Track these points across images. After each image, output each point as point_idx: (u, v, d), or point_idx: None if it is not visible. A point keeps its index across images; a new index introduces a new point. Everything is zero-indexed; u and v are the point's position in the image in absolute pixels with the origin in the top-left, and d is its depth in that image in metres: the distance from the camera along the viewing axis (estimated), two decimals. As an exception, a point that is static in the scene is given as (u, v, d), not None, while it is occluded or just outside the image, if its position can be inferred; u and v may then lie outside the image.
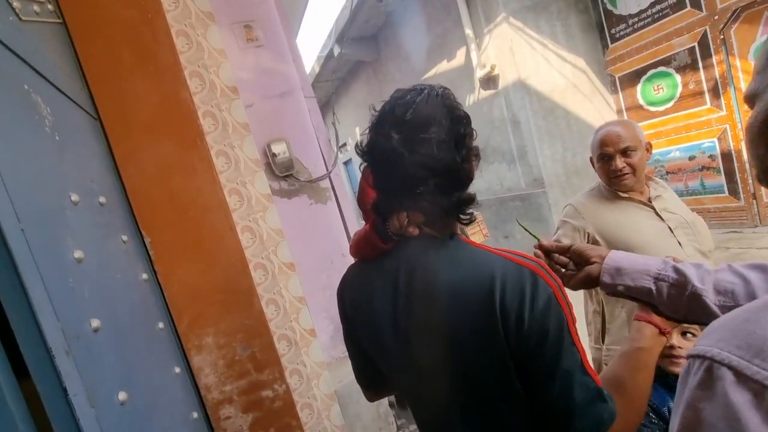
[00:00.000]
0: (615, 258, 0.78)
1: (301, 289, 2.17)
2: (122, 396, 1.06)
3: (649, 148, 1.38)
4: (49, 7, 1.62)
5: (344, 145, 11.22)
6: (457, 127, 0.71)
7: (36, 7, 1.45)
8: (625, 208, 1.38)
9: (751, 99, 0.45)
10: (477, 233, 7.22)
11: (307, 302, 2.21)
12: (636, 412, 0.62)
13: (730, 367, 0.33)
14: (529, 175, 5.35)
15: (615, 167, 1.33)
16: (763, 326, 0.33)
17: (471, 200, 0.72)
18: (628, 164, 1.32)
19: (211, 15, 2.17)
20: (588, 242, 1.43)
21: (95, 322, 1.05)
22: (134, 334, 1.33)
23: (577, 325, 0.64)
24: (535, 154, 5.13)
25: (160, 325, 1.67)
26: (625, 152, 1.32)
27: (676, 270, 0.71)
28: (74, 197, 1.20)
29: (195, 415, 1.56)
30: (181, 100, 1.88)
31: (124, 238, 1.57)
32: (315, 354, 2.12)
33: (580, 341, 0.63)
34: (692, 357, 0.37)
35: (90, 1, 1.70)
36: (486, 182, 6.18)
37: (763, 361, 0.32)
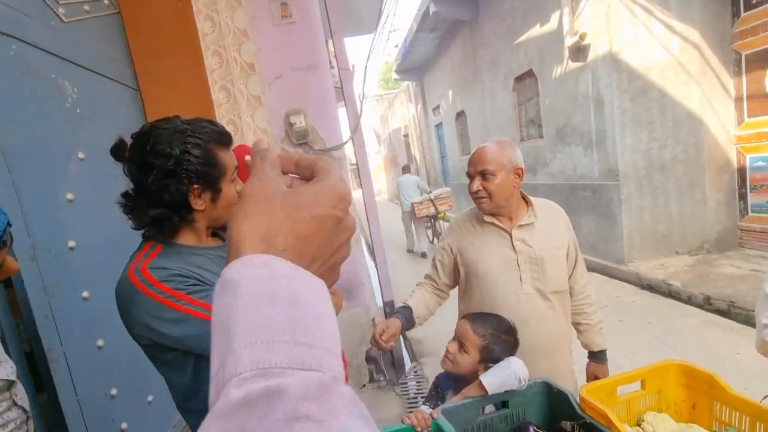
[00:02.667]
0: None
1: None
2: (85, 294, 1.57)
3: (519, 173, 1.28)
4: (105, 1, 2.12)
5: (437, 107, 11.05)
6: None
7: (87, 6, 1.94)
8: (486, 233, 1.35)
9: None
10: (443, 204, 6.99)
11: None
12: None
13: None
14: (603, 164, 4.78)
15: (471, 189, 1.30)
16: None
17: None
18: (484, 188, 1.26)
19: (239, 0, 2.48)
20: (453, 262, 1.44)
21: (72, 243, 1.55)
22: (121, 256, 1.86)
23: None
24: (614, 141, 4.54)
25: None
26: (483, 175, 1.26)
27: None
28: (81, 155, 1.71)
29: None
30: (197, 76, 2.29)
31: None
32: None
33: (196, 308, 0.81)
34: None
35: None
36: (560, 164, 5.67)
37: None
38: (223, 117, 2.42)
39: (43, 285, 1.37)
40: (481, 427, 0.98)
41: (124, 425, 1.66)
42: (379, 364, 3.27)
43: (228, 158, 0.92)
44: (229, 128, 2.45)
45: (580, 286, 1.40)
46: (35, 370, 1.37)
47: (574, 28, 4.85)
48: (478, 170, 1.26)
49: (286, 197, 0.30)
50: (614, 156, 4.56)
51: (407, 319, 1.35)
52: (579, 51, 4.86)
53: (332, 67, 3.23)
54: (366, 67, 3.49)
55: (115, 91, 2.08)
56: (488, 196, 1.26)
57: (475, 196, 1.29)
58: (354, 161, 3.41)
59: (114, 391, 1.63)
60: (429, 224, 7.38)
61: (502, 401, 1.02)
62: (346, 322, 2.98)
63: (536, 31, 5.75)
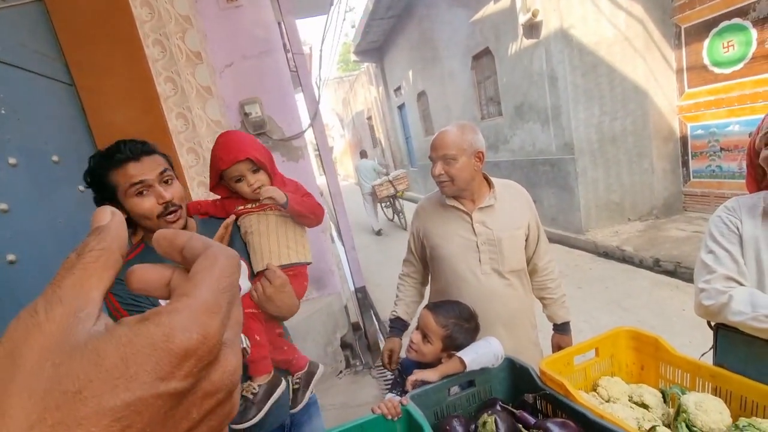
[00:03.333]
0: None
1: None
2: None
3: (480, 157, 1.31)
4: (25, -12, 1.92)
5: (398, 88, 10.98)
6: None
7: (3, -7, 1.75)
8: (448, 217, 1.39)
9: None
10: (401, 184, 7.81)
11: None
12: None
13: None
14: (560, 139, 4.95)
15: (433, 173, 1.32)
16: None
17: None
18: (446, 172, 1.28)
19: (177, -19, 2.32)
20: (421, 244, 1.49)
21: (11, 257, 1.44)
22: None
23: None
24: (568, 116, 4.69)
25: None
26: (444, 159, 1.28)
27: None
28: (12, 160, 1.57)
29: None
30: (137, 66, 2.15)
31: (81, 188, 1.96)
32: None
33: None
34: None
35: (55, -20, 1.95)
36: (520, 141, 5.81)
37: None
38: (171, 110, 2.28)
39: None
40: (450, 408, 1.02)
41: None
42: (355, 349, 3.31)
43: (120, 176, 0.94)
44: (178, 122, 2.34)
45: (544, 263, 1.45)
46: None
47: (526, 5, 4.90)
48: (439, 155, 1.28)
49: (62, 365, 0.16)
50: (569, 130, 4.72)
51: (403, 329, 1.54)
52: (532, 28, 4.94)
53: (288, 51, 3.12)
54: (321, 50, 3.39)
55: (45, 88, 1.91)
56: (450, 180, 1.28)
57: (437, 180, 1.31)
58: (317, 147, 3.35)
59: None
60: (389, 203, 8.03)
61: (468, 381, 1.06)
62: (320, 311, 2.97)
63: (491, 8, 5.78)
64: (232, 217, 1.09)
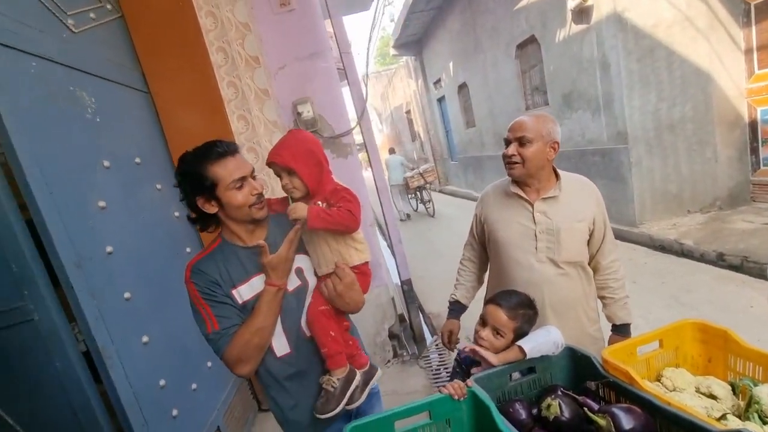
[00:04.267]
0: None
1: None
2: (127, 295, 1.67)
3: (555, 147, 1.33)
4: (108, 6, 2.14)
5: (438, 81, 10.87)
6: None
7: (92, 14, 1.97)
8: (510, 205, 1.43)
9: None
10: (430, 176, 9.03)
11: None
12: (249, 330, 1.05)
13: None
14: (612, 128, 4.74)
15: (506, 152, 1.35)
16: None
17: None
18: (520, 153, 1.32)
19: (238, -10, 2.47)
20: (482, 229, 1.55)
21: (109, 248, 1.64)
22: (155, 256, 1.95)
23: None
24: (621, 104, 4.48)
25: (188, 249, 2.30)
26: (520, 141, 1.32)
27: None
28: (106, 163, 1.78)
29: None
30: (204, 72, 2.33)
31: (159, 186, 2.17)
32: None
33: (205, 312, 1.06)
34: None
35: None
36: (568, 131, 5.62)
37: None
38: (233, 113, 2.46)
39: (90, 290, 1.47)
40: (511, 392, 1.07)
41: (174, 412, 1.80)
42: (402, 340, 3.40)
43: (222, 171, 1.04)
44: (239, 124, 2.51)
45: (607, 262, 1.45)
46: (92, 364, 1.49)
47: (575, -11, 4.71)
48: (516, 136, 1.32)
49: None
50: (622, 119, 4.51)
51: (461, 312, 1.64)
52: (582, 13, 4.75)
53: (331, 49, 3.21)
54: (368, 49, 3.46)
55: (127, 96, 2.12)
56: (522, 161, 1.32)
57: (508, 161, 1.35)
58: (362, 141, 3.44)
59: (162, 382, 1.76)
60: (414, 194, 9.27)
61: (528, 367, 1.10)
62: (369, 302, 3.07)
63: (537, -6, 5.60)
64: (295, 230, 1.10)
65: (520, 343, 1.06)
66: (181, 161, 1.07)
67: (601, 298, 1.48)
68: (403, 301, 3.71)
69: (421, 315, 3.89)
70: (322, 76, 2.94)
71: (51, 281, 1.40)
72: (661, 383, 1.02)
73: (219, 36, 2.41)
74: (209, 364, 2.20)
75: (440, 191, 12.07)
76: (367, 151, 3.42)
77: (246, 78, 2.52)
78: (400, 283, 3.68)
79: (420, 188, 8.91)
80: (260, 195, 1.09)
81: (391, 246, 3.59)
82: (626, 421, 0.82)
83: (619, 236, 4.79)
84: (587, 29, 4.73)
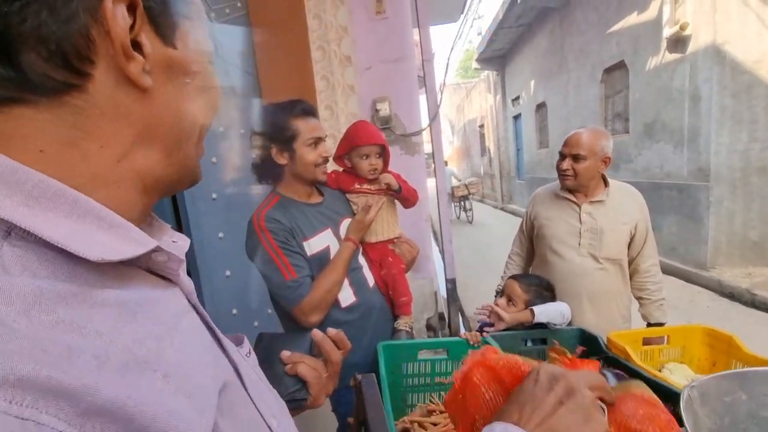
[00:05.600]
0: None
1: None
2: (221, 234, 2.07)
3: (607, 161, 1.48)
4: (238, 4, 2.61)
5: (517, 98, 10.78)
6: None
7: (227, 9, 2.43)
8: (560, 205, 1.58)
9: None
10: (474, 188, 8.64)
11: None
12: (330, 281, 1.16)
13: None
14: (694, 163, 4.51)
15: (560, 166, 1.52)
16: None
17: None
18: (573, 168, 1.48)
19: (343, -2, 2.85)
20: (531, 225, 1.71)
21: (221, 234, 2.03)
22: (247, 202, 2.35)
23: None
24: (708, 139, 4.26)
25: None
26: (575, 157, 1.48)
27: None
28: (213, 159, 2.20)
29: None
30: (304, 66, 2.72)
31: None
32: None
33: (281, 261, 1.13)
34: None
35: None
36: (645, 161, 5.39)
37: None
38: (321, 102, 2.83)
39: (197, 226, 1.88)
40: (522, 354, 1.24)
41: (240, 338, 2.17)
42: (437, 331, 3.56)
43: (304, 126, 1.17)
44: (326, 113, 2.88)
45: (647, 266, 1.56)
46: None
47: (675, 17, 4.57)
48: (571, 152, 1.50)
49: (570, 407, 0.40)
50: (707, 155, 4.28)
51: None
52: (678, 42, 4.58)
53: (414, 56, 3.50)
54: (449, 58, 3.71)
55: (242, 83, 2.57)
56: (574, 175, 1.49)
57: (562, 173, 1.52)
58: (428, 150, 3.68)
59: (234, 311, 2.14)
60: (458, 204, 10.18)
61: (542, 339, 1.26)
62: (413, 291, 3.29)
63: (632, 19, 5.46)
64: (381, 202, 1.33)
65: (533, 307, 1.24)
66: (266, 110, 1.19)
67: (638, 298, 1.59)
68: (445, 299, 3.87)
69: (460, 316, 4.02)
70: (403, 79, 3.24)
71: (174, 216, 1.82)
72: (661, 373, 1.14)
73: (321, 36, 2.80)
74: (269, 311, 2.57)
75: (502, 209, 11.91)
76: (433, 158, 3.65)
77: (337, 74, 2.88)
78: (445, 281, 3.85)
79: (464, 197, 9.83)
80: (326, 159, 1.22)
81: (441, 244, 3.78)
82: (612, 381, 0.98)
83: (685, 277, 4.53)
84: (681, 59, 4.55)
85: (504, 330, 1.27)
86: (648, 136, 5.27)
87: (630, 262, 1.56)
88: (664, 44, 4.80)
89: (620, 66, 5.89)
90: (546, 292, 1.35)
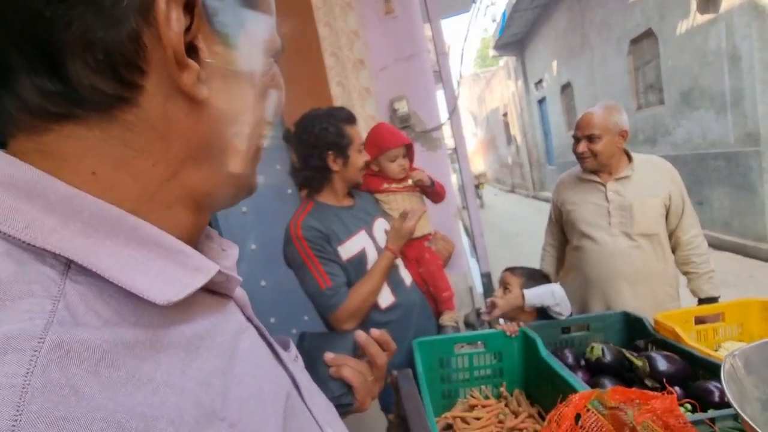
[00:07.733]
0: None
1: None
2: (253, 246, 2.13)
3: (624, 135, 1.40)
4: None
5: (539, 82, 10.46)
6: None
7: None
8: (584, 187, 1.52)
9: None
10: (482, 179, 8.30)
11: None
12: (367, 289, 1.16)
13: None
14: (741, 128, 4.20)
15: (576, 150, 1.46)
16: None
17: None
18: (590, 149, 1.42)
19: (350, 3, 2.87)
20: (559, 212, 1.65)
21: (253, 246, 2.10)
22: (276, 215, 2.41)
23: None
24: (754, 101, 3.96)
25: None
26: (590, 138, 1.42)
27: None
28: None
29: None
30: (319, 74, 2.76)
31: (278, 167, 2.65)
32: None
33: (316, 269, 1.14)
34: None
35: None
36: (686, 132, 5.08)
37: None
38: (340, 107, 2.86)
39: (243, 279, 1.95)
40: (563, 343, 1.20)
41: (280, 346, 2.22)
42: (476, 328, 3.49)
43: (354, 132, 1.22)
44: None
45: (688, 237, 1.47)
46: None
47: (702, -25, 4.29)
48: (585, 134, 1.44)
49: None
50: (754, 118, 3.98)
51: None
52: (709, 2, 4.29)
53: (428, 51, 3.47)
54: (463, 49, 3.65)
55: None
56: (592, 156, 1.43)
57: (580, 156, 1.47)
58: (451, 146, 3.63)
59: (273, 320, 2.19)
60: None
61: (586, 325, 1.21)
62: (446, 288, 3.26)
63: (656, -16, 5.18)
64: (423, 209, 1.31)
65: (524, 290, 1.24)
66: (315, 118, 1.18)
67: (685, 273, 1.50)
68: (482, 294, 3.80)
69: (500, 310, 3.93)
70: (418, 75, 3.22)
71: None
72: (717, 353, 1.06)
73: (332, 43, 2.84)
74: (306, 317, 2.62)
75: (534, 197, 11.57)
76: (456, 152, 3.60)
77: (352, 78, 2.91)
78: (480, 276, 3.77)
79: (475, 186, 10.36)
80: (368, 164, 1.29)
81: (472, 239, 3.72)
82: (662, 364, 0.92)
83: (743, 251, 4.21)
84: (714, 19, 4.26)
85: (511, 320, 1.28)
86: (686, 104, 4.96)
87: (670, 236, 1.47)
88: (693, 6, 4.51)
89: (648, 35, 5.59)
90: (534, 271, 1.42)
